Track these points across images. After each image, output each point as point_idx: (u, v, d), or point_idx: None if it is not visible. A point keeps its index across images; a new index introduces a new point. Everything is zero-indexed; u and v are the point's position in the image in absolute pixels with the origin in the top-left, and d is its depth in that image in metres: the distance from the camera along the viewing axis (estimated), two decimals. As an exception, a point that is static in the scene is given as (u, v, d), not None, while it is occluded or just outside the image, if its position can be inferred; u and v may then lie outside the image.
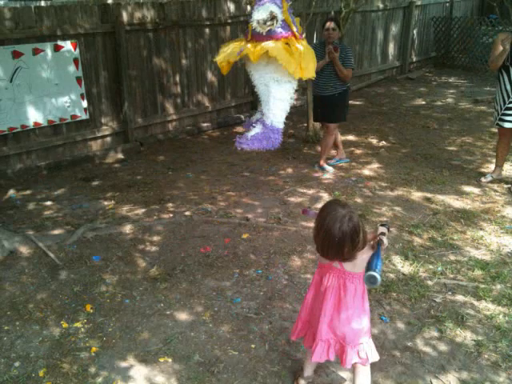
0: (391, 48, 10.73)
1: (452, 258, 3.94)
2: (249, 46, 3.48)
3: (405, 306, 3.35)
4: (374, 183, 5.39)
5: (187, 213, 4.70)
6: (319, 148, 6.16)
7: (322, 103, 5.56)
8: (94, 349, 2.97)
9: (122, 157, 6.29)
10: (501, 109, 4.96)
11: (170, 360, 2.89)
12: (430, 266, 3.80)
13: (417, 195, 5.06)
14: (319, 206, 4.57)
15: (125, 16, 6.08)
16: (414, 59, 11.60)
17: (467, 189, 5.21)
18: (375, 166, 5.93)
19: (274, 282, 3.63)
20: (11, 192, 5.15)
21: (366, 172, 5.72)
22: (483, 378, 2.75)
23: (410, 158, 6.17)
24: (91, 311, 3.31)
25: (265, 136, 3.08)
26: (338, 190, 5.22)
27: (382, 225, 2.38)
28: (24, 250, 3.99)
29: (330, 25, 5.28)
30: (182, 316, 3.27)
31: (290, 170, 5.82)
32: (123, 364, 2.87)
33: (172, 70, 6.78)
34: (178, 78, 6.88)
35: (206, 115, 7.41)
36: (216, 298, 3.45)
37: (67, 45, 5.56)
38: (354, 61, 5.43)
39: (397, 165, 5.94)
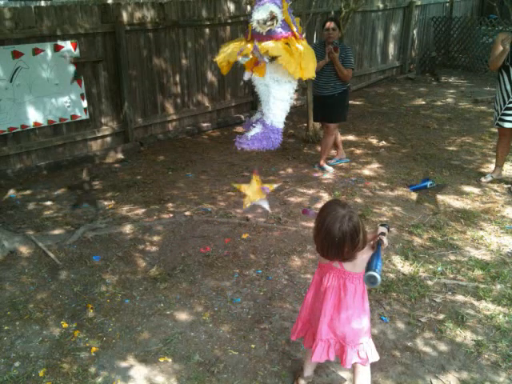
0: (391, 48, 10.73)
1: (452, 258, 3.94)
2: (249, 46, 3.47)
3: (405, 306, 3.35)
4: (374, 183, 5.39)
5: (187, 213, 4.70)
6: (319, 148, 6.17)
7: (322, 103, 5.56)
8: (94, 349, 2.97)
9: (122, 157, 6.28)
10: (501, 109, 4.96)
11: (169, 360, 2.89)
12: (430, 266, 3.80)
13: (417, 195, 5.06)
14: (319, 206, 4.57)
15: (125, 16, 6.08)
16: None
17: (467, 189, 5.21)
18: (375, 165, 5.93)
19: (274, 282, 3.63)
20: (11, 192, 5.15)
21: (366, 172, 5.72)
22: (483, 378, 2.75)
23: (410, 157, 6.17)
24: (91, 311, 3.30)
25: (265, 136, 3.08)
26: (338, 189, 5.22)
27: (381, 225, 2.38)
28: (24, 249, 3.99)
29: (330, 25, 5.28)
30: (182, 316, 3.27)
31: (290, 170, 5.82)
32: (123, 364, 2.87)
33: (172, 70, 6.78)
34: (177, 78, 6.88)
35: (205, 115, 7.41)
36: (216, 297, 3.45)
37: (67, 45, 5.55)
38: (354, 61, 5.43)
39: (397, 165, 5.94)
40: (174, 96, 6.90)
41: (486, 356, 2.90)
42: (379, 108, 8.65)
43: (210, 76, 7.27)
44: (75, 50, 5.63)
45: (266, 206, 3.11)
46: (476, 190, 5.16)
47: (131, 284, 3.61)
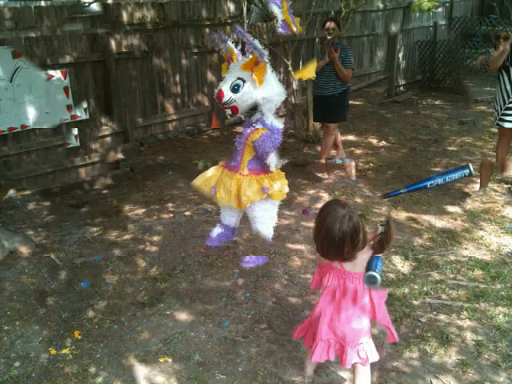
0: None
1: (452, 257, 3.94)
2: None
3: (405, 305, 3.34)
4: (373, 183, 5.39)
5: (187, 213, 4.70)
6: (319, 148, 6.16)
7: (322, 103, 5.55)
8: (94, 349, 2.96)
9: (122, 157, 6.26)
10: (501, 109, 4.95)
11: (169, 360, 2.88)
12: (432, 267, 3.80)
13: (403, 215, 5.04)
14: (319, 206, 4.56)
15: (125, 16, 6.06)
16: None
17: (467, 189, 5.20)
18: (376, 165, 5.92)
19: (274, 282, 3.62)
20: (11, 192, 5.14)
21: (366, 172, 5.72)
22: (483, 377, 2.75)
23: (410, 158, 6.17)
24: (91, 312, 3.30)
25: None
26: (338, 190, 5.22)
27: (381, 225, 2.38)
28: (24, 249, 3.98)
29: (330, 25, 5.28)
30: (182, 316, 3.26)
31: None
32: (123, 364, 2.86)
33: (172, 70, 6.77)
34: (177, 78, 6.87)
35: (205, 115, 7.39)
36: (216, 297, 3.45)
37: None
38: (354, 61, 5.42)
39: (396, 165, 5.95)
40: (173, 96, 6.89)
41: (486, 356, 2.90)
42: (379, 108, 8.65)
43: (209, 76, 7.26)
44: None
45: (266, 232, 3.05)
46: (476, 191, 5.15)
47: (131, 284, 3.61)
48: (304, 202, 4.95)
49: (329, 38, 5.25)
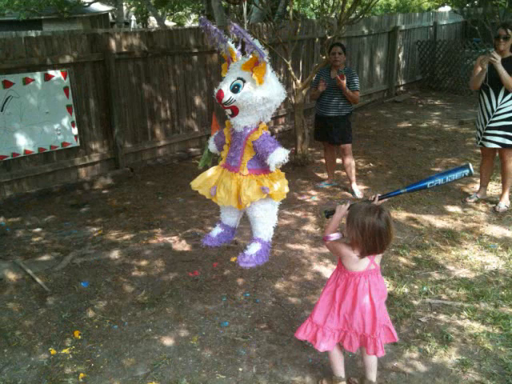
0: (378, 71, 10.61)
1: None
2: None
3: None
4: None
5: (175, 237, 4.53)
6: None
7: (327, 124, 5.38)
8: (82, 375, 2.83)
9: (112, 182, 6.10)
10: (483, 128, 4.86)
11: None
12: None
13: (403, 215, 4.84)
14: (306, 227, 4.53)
15: (113, 45, 6.04)
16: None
17: (452, 209, 4.97)
18: (362, 187, 5.79)
19: (262, 305, 3.46)
20: (0, 220, 4.97)
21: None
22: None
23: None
24: (79, 337, 3.14)
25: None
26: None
27: (326, 214, 2.50)
28: (12, 277, 3.82)
29: (337, 49, 5.24)
30: (170, 341, 3.12)
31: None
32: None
33: (161, 96, 6.71)
34: (167, 104, 6.80)
35: (195, 140, 7.29)
36: (204, 321, 3.28)
37: (57, 73, 5.51)
38: (358, 82, 5.27)
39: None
40: (163, 122, 6.81)
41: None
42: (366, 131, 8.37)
43: (198, 101, 7.18)
44: (65, 79, 5.56)
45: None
46: (460, 211, 4.94)
47: (119, 310, 3.44)
48: (292, 224, 4.68)
49: (337, 76, 5.13)
